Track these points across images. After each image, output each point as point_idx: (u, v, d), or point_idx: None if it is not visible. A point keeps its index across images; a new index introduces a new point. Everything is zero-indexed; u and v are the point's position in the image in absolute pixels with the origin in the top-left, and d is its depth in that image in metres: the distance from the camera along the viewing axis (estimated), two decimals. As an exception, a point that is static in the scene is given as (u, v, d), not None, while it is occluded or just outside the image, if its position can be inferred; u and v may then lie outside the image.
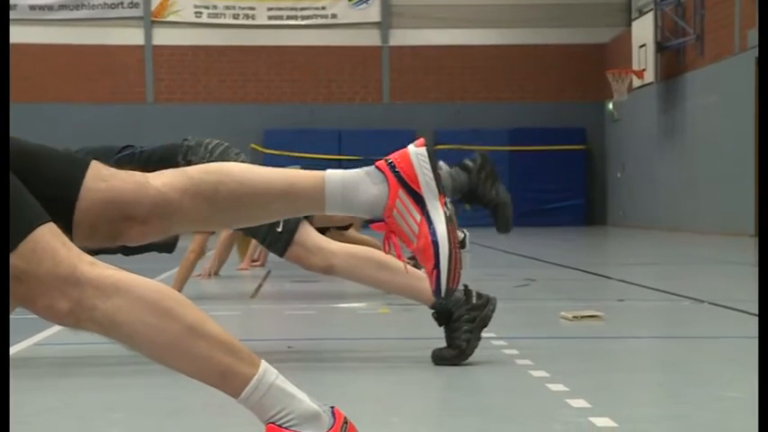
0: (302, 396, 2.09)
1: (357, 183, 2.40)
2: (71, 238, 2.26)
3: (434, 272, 2.37)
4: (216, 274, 9.12)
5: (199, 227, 2.46)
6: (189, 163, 4.08)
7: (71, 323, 2.03)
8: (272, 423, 2.07)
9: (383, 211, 2.39)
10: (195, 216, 2.38)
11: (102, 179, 2.32)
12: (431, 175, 2.41)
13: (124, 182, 2.34)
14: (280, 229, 4.03)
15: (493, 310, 3.93)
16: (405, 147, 2.45)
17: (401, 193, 2.39)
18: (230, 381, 2.05)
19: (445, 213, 2.40)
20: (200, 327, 2.04)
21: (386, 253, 2.45)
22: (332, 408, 2.13)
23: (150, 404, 3.27)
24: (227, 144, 4.26)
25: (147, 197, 2.33)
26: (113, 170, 2.36)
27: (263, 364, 2.07)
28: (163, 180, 2.37)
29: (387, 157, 2.44)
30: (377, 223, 2.42)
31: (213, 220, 2.44)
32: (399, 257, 2.46)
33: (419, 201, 2.39)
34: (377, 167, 2.42)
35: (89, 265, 2.02)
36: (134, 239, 2.37)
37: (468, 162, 3.94)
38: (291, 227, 4.04)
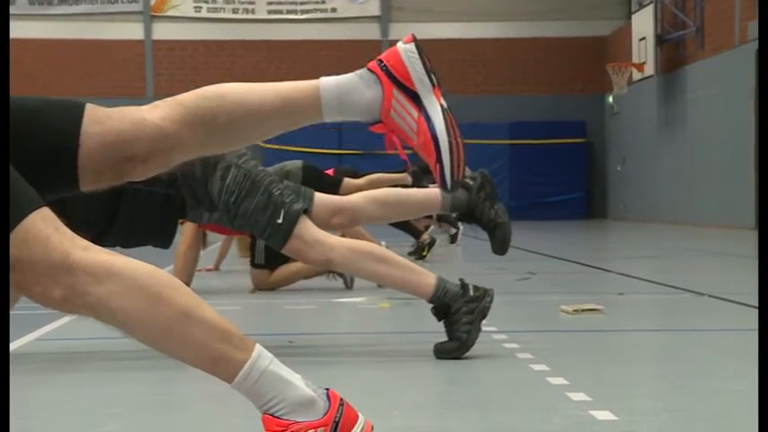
0: (297, 381, 2.08)
1: (351, 88, 2.37)
2: (78, 185, 2.26)
3: (437, 166, 2.36)
4: (216, 268, 9.12)
5: (199, 153, 2.42)
6: None
7: (66, 309, 2.03)
8: (267, 413, 2.06)
9: (380, 112, 2.37)
10: (194, 144, 2.35)
11: (98, 122, 2.29)
12: (422, 69, 2.40)
13: (121, 121, 2.30)
14: (280, 221, 4.01)
15: (491, 302, 3.93)
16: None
17: (395, 91, 2.37)
18: (223, 366, 2.04)
19: (442, 105, 2.39)
20: (193, 312, 2.03)
21: (390, 152, 2.44)
22: (327, 390, 2.12)
23: (151, 398, 3.27)
24: None
25: (146, 134, 2.31)
26: (108, 110, 2.33)
27: (257, 349, 2.06)
28: (159, 113, 2.33)
29: (378, 57, 2.41)
30: (376, 125, 2.40)
31: (212, 145, 2.40)
32: (402, 155, 2.44)
33: (414, 97, 2.38)
34: (369, 69, 2.39)
35: (82, 250, 2.00)
36: (138, 176, 2.35)
37: (469, 180, 3.95)
38: (292, 218, 4.02)
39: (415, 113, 2.37)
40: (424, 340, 4.09)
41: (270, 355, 2.08)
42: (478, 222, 4.04)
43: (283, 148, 25.34)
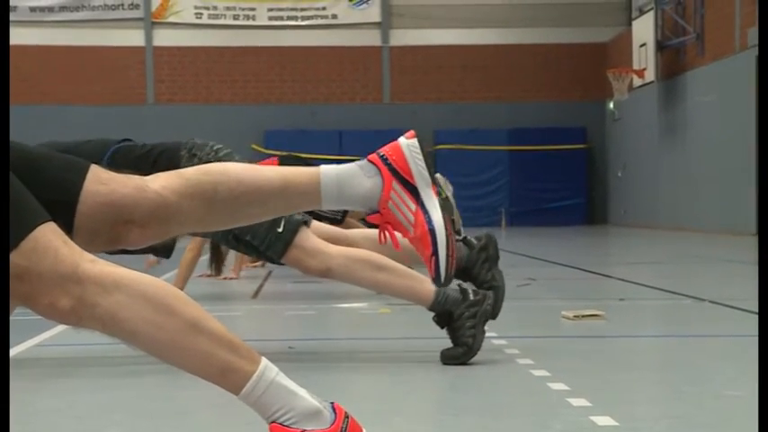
0: (302, 393, 2.10)
1: (351, 177, 2.44)
2: None
3: (433, 258, 2.43)
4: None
5: (197, 228, 2.48)
6: (193, 156, 4.07)
7: (73, 321, 2.04)
8: (275, 422, 2.07)
9: (378, 202, 2.44)
10: (194, 217, 2.40)
11: (101, 183, 2.33)
12: (423, 165, 2.47)
13: (123, 185, 2.36)
14: (281, 230, 4.01)
15: (491, 304, 3.93)
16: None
17: (395, 184, 2.44)
18: (231, 377, 2.06)
19: (438, 201, 2.46)
20: (201, 323, 2.04)
21: (381, 244, 2.48)
22: (332, 403, 2.13)
23: (150, 404, 3.27)
24: (231, 150, 4.24)
25: (146, 200, 2.35)
26: (112, 174, 2.37)
27: (264, 361, 2.08)
28: (161, 183, 2.39)
29: (379, 151, 2.48)
30: (372, 215, 2.46)
31: (211, 221, 2.45)
32: (396, 247, 2.49)
33: (413, 191, 2.45)
34: (369, 161, 2.46)
35: (90, 262, 2.02)
36: (134, 243, 2.39)
37: (473, 239, 3.96)
38: (292, 228, 4.02)
39: (414, 206, 2.44)
40: (425, 346, 4.09)
41: (275, 367, 2.10)
42: (473, 281, 4.03)
43: (285, 153, 25.34)
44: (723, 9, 18.89)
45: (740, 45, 18.04)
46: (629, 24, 23.85)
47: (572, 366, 3.85)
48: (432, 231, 2.42)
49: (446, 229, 2.43)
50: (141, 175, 4.08)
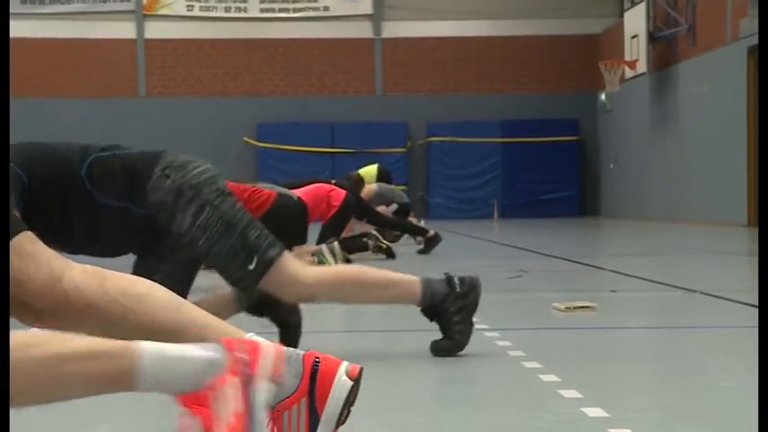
0: (190, 352, 2.00)
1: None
2: None
3: None
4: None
5: (85, 331, 2.30)
6: (166, 177, 3.73)
7: None
8: (181, 396, 2.00)
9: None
10: (88, 327, 2.28)
11: (18, 255, 2.23)
12: (340, 410, 2.11)
13: (37, 269, 2.26)
14: (252, 267, 3.74)
15: (478, 295, 3.90)
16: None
17: (304, 400, 2.06)
18: (118, 381, 1.99)
19: None
20: (63, 353, 1.96)
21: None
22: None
23: (143, 398, 3.26)
24: (215, 173, 3.83)
25: (53, 295, 2.27)
26: (38, 249, 2.26)
27: (135, 348, 1.98)
28: (77, 283, 2.29)
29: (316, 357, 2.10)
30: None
31: (98, 333, 2.17)
32: None
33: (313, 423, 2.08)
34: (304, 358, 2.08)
35: None
36: (24, 322, 2.31)
37: (458, 281, 3.88)
38: (265, 264, 3.75)
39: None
40: (416, 338, 4.09)
41: (150, 344, 2.00)
42: (438, 322, 3.90)
43: (277, 146, 25.34)
44: (715, 0, 18.91)
45: (732, 36, 18.06)
46: (621, 16, 23.86)
47: (563, 358, 3.86)
48: None
49: None
50: (126, 181, 3.72)
